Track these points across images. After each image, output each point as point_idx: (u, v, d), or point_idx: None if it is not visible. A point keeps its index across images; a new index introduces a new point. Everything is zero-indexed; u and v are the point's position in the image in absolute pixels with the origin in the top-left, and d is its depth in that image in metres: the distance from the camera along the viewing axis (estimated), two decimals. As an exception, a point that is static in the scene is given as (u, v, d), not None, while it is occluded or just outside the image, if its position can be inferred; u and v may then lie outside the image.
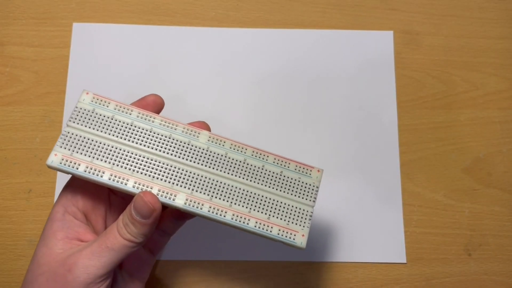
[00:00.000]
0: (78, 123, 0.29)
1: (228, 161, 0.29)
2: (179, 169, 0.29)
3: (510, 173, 0.42)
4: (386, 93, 0.44)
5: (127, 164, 0.28)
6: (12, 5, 0.44)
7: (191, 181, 0.29)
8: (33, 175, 0.40)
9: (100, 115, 0.29)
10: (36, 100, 0.42)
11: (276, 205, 0.29)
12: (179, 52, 0.44)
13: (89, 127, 0.29)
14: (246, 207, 0.29)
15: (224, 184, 0.29)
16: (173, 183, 0.29)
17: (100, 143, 0.29)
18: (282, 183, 0.30)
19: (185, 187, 0.29)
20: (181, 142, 0.29)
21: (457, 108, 0.44)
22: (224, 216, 0.28)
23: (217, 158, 0.29)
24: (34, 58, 0.43)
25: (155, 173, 0.29)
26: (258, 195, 0.29)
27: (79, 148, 0.28)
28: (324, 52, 0.44)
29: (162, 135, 0.29)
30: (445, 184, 0.42)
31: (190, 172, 0.29)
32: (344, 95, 0.43)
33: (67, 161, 0.28)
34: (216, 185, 0.29)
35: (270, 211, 0.29)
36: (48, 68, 0.43)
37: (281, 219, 0.29)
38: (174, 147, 0.29)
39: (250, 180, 0.29)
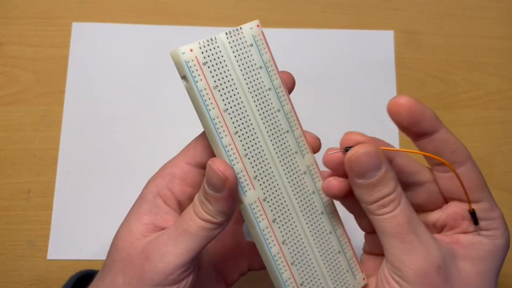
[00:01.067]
0: (230, 43, 0.24)
1: (308, 201, 0.26)
2: (269, 166, 0.25)
3: (511, 173, 0.42)
4: (387, 93, 0.43)
5: (237, 121, 0.24)
6: (11, 4, 0.44)
7: (270, 188, 0.25)
8: (32, 175, 0.40)
9: (252, 55, 0.25)
10: (35, 100, 0.42)
11: (312, 275, 0.26)
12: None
13: (236, 57, 0.24)
14: (292, 256, 0.25)
15: (292, 218, 0.26)
16: (256, 176, 0.24)
17: (232, 80, 0.24)
18: (332, 262, 0.27)
19: (262, 189, 0.24)
20: (289, 145, 0.25)
21: (458, 108, 0.43)
22: (271, 248, 0.25)
23: (302, 186, 0.26)
24: (34, 58, 0.43)
25: (250, 151, 0.24)
26: (308, 255, 0.26)
27: (213, 66, 0.23)
28: (325, 52, 0.44)
29: (281, 124, 0.25)
30: (446, 184, 0.42)
31: (274, 177, 0.25)
32: (344, 94, 0.43)
33: (194, 65, 0.23)
34: (285, 211, 0.25)
35: (305, 277, 0.26)
36: (48, 68, 0.42)
37: None
38: (280, 146, 0.25)
39: (313, 237, 0.26)
